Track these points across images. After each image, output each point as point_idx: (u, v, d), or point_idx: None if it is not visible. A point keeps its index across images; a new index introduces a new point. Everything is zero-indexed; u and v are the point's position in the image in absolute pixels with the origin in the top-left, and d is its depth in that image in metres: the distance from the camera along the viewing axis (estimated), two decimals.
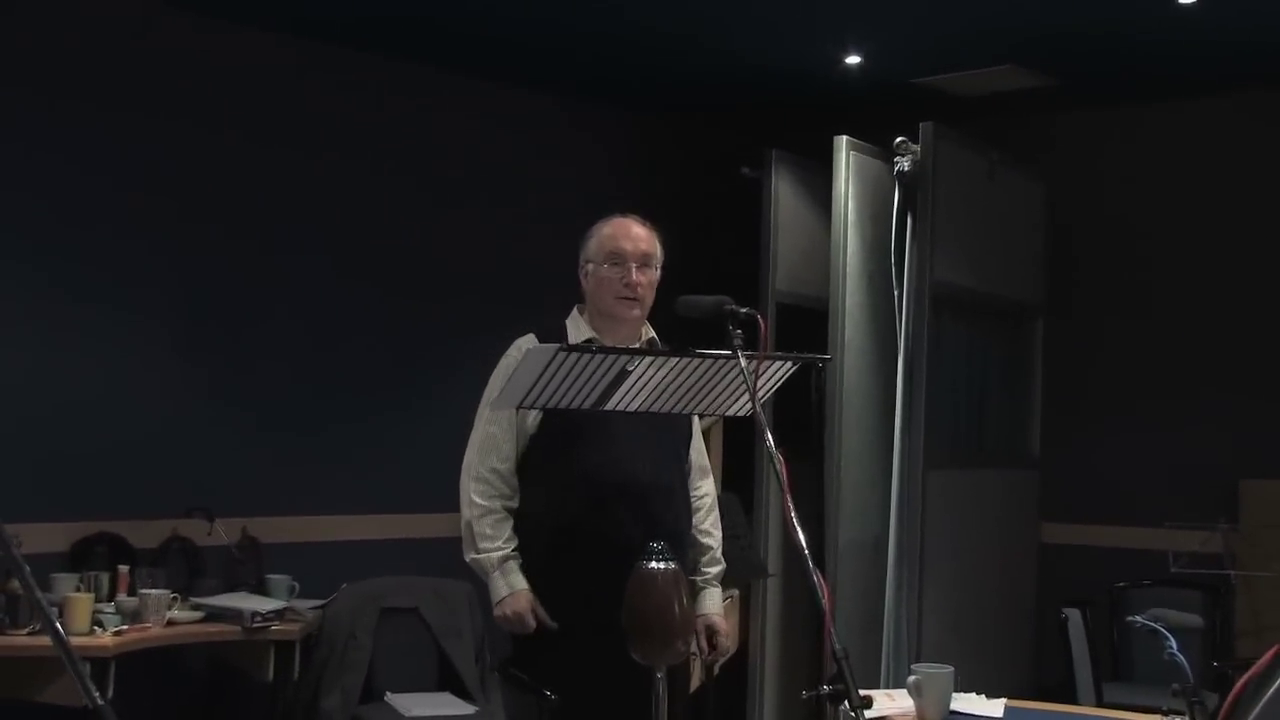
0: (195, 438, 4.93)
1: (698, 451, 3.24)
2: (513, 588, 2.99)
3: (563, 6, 4.79)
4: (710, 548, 3.21)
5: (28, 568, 1.57)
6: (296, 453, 5.19)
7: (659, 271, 3.13)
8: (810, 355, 2.70)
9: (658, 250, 3.13)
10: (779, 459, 2.21)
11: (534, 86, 5.90)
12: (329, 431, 5.30)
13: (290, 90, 5.23)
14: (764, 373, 2.63)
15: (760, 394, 2.54)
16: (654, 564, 2.39)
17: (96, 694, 1.52)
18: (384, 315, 5.49)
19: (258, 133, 5.14)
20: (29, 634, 4.00)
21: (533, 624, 2.97)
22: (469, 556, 3.06)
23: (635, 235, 3.10)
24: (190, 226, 4.98)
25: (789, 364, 2.68)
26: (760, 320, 2.48)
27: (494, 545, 3.01)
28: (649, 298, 3.10)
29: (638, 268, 3.06)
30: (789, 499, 2.17)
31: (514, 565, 3.01)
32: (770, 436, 2.27)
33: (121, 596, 4.33)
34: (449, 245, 5.70)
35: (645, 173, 6.26)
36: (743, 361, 2.45)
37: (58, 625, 1.57)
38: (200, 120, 4.98)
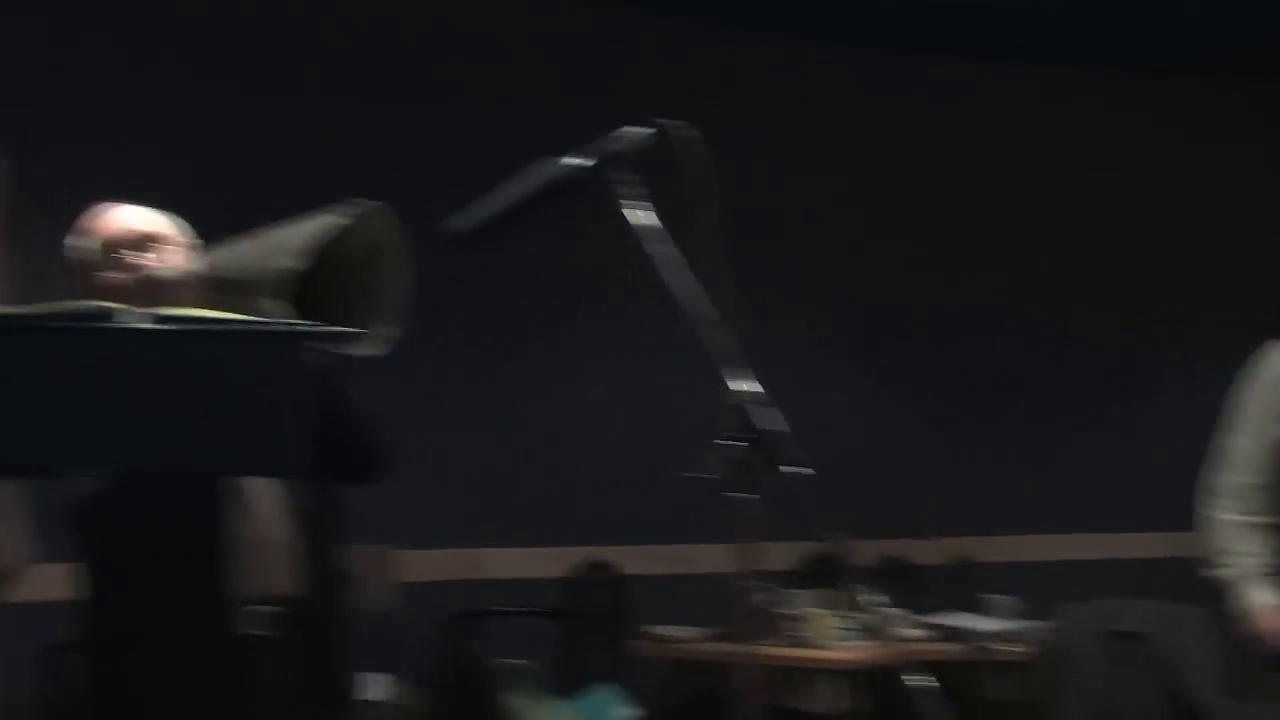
0: (911, 460, 5.13)
1: None
2: (1267, 601, 2.85)
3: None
4: None
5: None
6: (1011, 472, 5.25)
7: None
8: None
9: None
10: None
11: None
12: (1044, 450, 5.34)
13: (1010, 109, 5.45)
14: None
15: None
16: None
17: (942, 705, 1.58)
18: (1102, 331, 5.46)
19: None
20: (779, 645, 4.30)
21: None
22: (1214, 573, 2.97)
23: None
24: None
25: None
26: None
27: (1242, 559, 2.90)
28: None
29: None
30: None
31: (1267, 579, 2.87)
32: None
33: (856, 613, 4.55)
34: (1165, 251, 5.54)
35: None
36: None
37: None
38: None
